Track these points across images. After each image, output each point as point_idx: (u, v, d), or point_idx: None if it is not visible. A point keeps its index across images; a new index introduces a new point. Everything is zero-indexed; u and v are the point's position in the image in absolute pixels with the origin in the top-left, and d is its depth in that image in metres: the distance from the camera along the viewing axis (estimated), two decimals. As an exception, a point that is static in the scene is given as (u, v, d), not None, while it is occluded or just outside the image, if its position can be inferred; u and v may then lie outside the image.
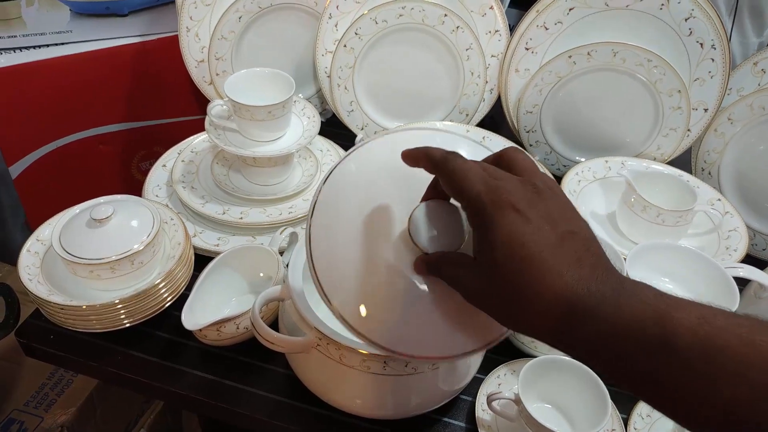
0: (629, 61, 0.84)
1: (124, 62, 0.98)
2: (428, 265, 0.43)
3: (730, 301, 0.63)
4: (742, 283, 0.67)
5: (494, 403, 0.58)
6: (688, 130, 0.88)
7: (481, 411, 0.61)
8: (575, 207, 0.39)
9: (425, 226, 0.43)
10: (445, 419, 0.62)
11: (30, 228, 0.77)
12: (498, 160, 0.41)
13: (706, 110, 0.86)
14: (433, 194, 0.44)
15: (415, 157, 0.42)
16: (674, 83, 0.84)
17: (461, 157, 0.39)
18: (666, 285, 0.70)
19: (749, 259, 0.76)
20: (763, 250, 0.86)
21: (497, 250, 0.36)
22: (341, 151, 0.91)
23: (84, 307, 0.61)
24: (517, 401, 0.56)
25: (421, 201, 0.44)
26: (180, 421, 1.06)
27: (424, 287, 0.45)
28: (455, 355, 0.46)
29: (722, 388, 0.30)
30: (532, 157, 0.43)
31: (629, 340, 0.32)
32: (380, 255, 0.45)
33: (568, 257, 0.35)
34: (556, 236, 0.36)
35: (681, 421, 0.32)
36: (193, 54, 0.91)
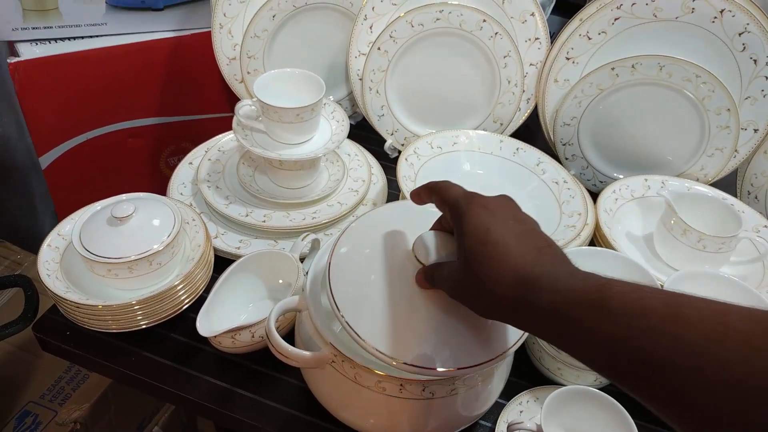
0: (676, 76, 0.80)
1: (156, 57, 0.97)
2: (424, 274, 0.49)
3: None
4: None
5: (514, 433, 0.56)
6: (736, 150, 0.83)
7: (501, 439, 0.58)
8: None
9: (426, 246, 0.50)
10: (464, 445, 0.59)
11: (58, 218, 0.78)
12: None
13: (756, 131, 0.82)
14: (438, 227, 0.52)
15: (418, 193, 0.51)
16: (723, 101, 0.79)
17: (452, 183, 0.49)
18: (705, 316, 0.66)
19: (795, 292, 0.72)
20: (811, 281, 0.81)
21: (467, 237, 0.43)
22: (369, 156, 0.89)
23: (100, 306, 0.60)
24: (540, 433, 0.53)
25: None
26: (195, 419, 1.06)
27: (437, 307, 0.49)
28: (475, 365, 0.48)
29: (645, 343, 0.34)
30: None
31: (576, 306, 0.37)
32: (396, 286, 0.50)
33: (529, 246, 0.42)
34: (519, 230, 0.43)
35: (614, 380, 0.37)
36: (225, 51, 0.90)
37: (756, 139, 0.82)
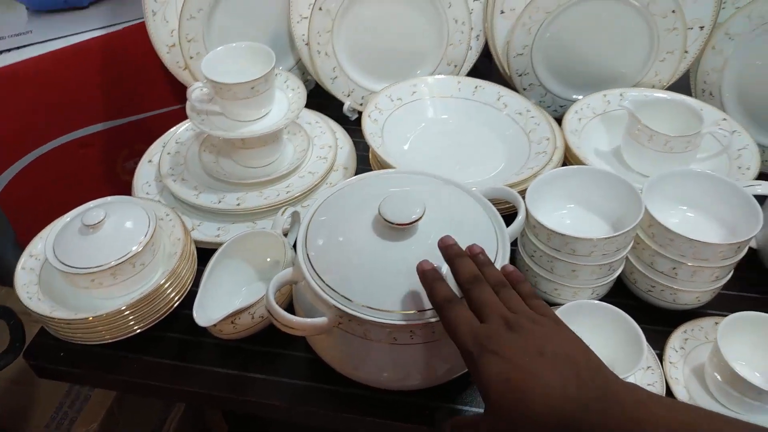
0: (618, -13, 0.81)
1: (91, 58, 0.93)
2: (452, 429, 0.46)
3: (754, 220, 0.61)
4: (760, 201, 0.65)
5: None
6: (686, 51, 0.85)
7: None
8: (567, 330, 0.44)
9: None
10: (478, 380, 0.60)
11: (21, 245, 0.74)
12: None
13: (702, 28, 0.83)
14: None
15: (423, 285, 0.48)
16: (668, 3, 0.80)
17: (456, 304, 0.45)
18: (686, 213, 0.68)
19: (762, 177, 0.74)
20: (775, 165, 0.84)
21: (490, 390, 0.40)
22: (331, 122, 0.88)
23: (91, 318, 0.59)
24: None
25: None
26: (203, 420, 1.05)
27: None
28: None
29: None
30: (525, 281, 0.48)
31: None
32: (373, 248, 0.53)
33: (554, 381, 0.39)
34: (539, 366, 0.39)
35: None
36: (162, 39, 0.87)
37: (703, 36, 0.84)
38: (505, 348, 0.41)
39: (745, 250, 0.62)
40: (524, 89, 0.91)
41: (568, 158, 0.79)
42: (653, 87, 0.88)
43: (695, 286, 0.63)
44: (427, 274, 0.48)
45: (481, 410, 0.57)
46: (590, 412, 0.37)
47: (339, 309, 0.50)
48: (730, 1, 0.82)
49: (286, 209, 0.70)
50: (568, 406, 0.38)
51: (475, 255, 0.49)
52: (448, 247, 0.50)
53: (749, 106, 0.85)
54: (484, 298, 0.45)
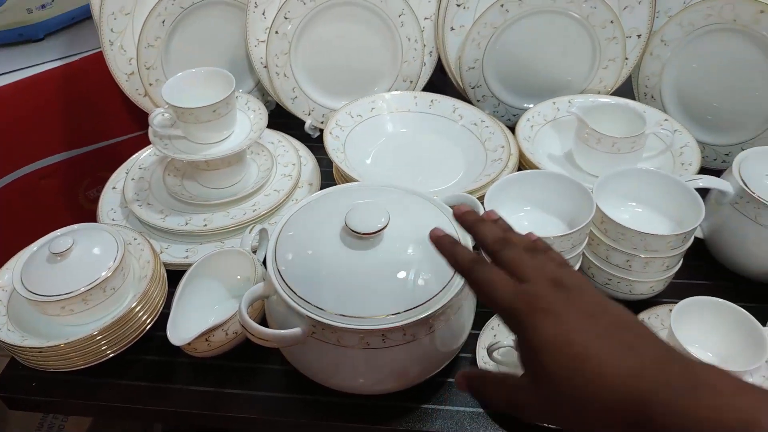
0: (559, 0, 0.85)
1: (50, 89, 0.93)
2: (469, 380, 0.40)
3: (697, 211, 0.65)
4: (702, 194, 0.70)
5: (495, 353, 0.59)
6: (626, 58, 0.90)
7: (483, 364, 0.62)
8: (606, 296, 0.37)
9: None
10: (450, 380, 0.62)
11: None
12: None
13: (639, 36, 0.88)
14: None
15: (442, 251, 0.43)
16: (606, 15, 0.85)
17: (486, 264, 0.40)
18: (635, 209, 0.72)
19: (703, 172, 0.79)
20: (714, 160, 0.89)
21: (543, 354, 0.34)
22: (293, 140, 0.90)
23: (63, 345, 0.59)
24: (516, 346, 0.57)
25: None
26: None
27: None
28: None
29: None
30: (552, 248, 0.42)
31: None
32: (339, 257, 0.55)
33: (619, 347, 0.33)
34: (599, 329, 0.34)
35: None
36: (121, 67, 0.88)
37: (641, 44, 0.89)
38: (559, 307, 0.35)
39: (691, 239, 0.66)
40: (478, 101, 0.95)
41: (523, 164, 0.82)
42: (599, 93, 0.93)
43: (649, 277, 0.66)
44: (443, 240, 0.43)
45: (455, 408, 0.60)
46: (670, 393, 0.30)
47: (312, 319, 0.52)
48: (663, 11, 0.87)
49: (253, 227, 0.71)
50: (642, 384, 0.31)
51: (496, 220, 0.44)
52: (465, 214, 0.45)
53: (688, 106, 0.90)
54: (519, 258, 0.39)
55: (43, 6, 0.92)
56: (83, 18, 0.98)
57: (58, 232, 0.65)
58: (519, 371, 0.57)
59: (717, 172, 0.74)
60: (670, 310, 0.65)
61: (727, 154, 0.88)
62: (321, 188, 0.83)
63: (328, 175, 0.86)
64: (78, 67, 0.94)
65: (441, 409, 0.60)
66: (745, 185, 0.68)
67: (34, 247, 0.64)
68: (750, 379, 0.60)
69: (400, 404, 0.60)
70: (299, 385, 0.61)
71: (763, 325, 0.60)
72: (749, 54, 0.82)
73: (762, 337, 0.58)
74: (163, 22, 0.86)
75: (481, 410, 0.60)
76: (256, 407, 0.61)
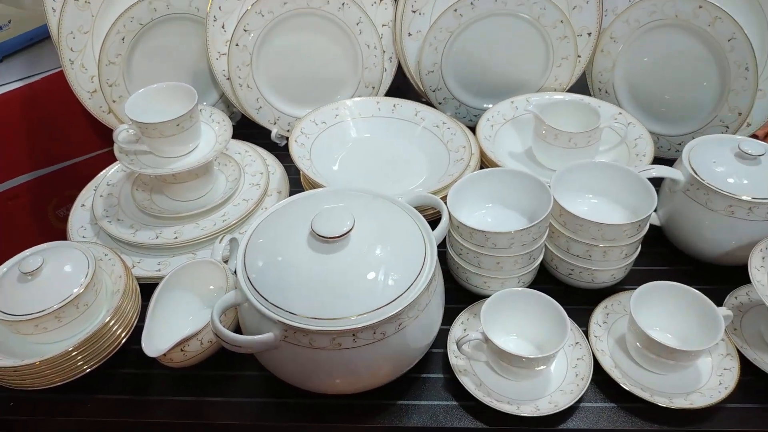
0: (510, 3, 0.88)
1: (12, 111, 0.92)
2: None
3: (650, 200, 0.69)
4: (656, 183, 0.73)
5: (464, 347, 0.61)
6: (578, 56, 0.93)
7: (454, 358, 0.64)
8: None
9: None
10: (423, 375, 0.64)
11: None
12: None
13: (590, 34, 0.92)
14: None
15: None
16: (555, 15, 0.88)
17: None
18: (591, 201, 0.75)
19: (657, 161, 0.82)
20: (669, 150, 0.93)
21: None
22: (260, 150, 0.91)
23: (38, 363, 0.59)
24: (485, 338, 0.59)
25: None
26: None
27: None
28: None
29: None
30: None
31: None
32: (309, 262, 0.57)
33: None
34: None
35: None
36: (83, 86, 0.88)
37: (591, 41, 0.92)
38: None
39: (646, 227, 0.69)
40: (440, 103, 0.97)
41: (485, 162, 0.85)
42: (555, 90, 0.96)
43: (609, 265, 0.69)
44: None
45: (430, 402, 0.62)
46: None
47: (284, 323, 0.53)
48: (611, 9, 0.91)
49: (223, 237, 0.72)
50: None
51: None
52: None
53: (639, 99, 0.94)
54: None
55: None
56: (42, 38, 0.98)
57: (27, 251, 0.65)
58: (490, 361, 0.59)
59: (671, 162, 0.78)
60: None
61: (680, 144, 0.92)
62: (290, 195, 0.84)
63: (297, 182, 0.88)
64: (39, 88, 0.94)
65: (417, 405, 0.62)
66: (695, 173, 0.71)
67: (4, 267, 0.64)
68: (708, 358, 0.64)
69: (376, 402, 0.62)
70: (277, 390, 0.62)
71: (718, 305, 0.63)
72: (693, 47, 0.86)
73: (717, 317, 0.61)
74: (123, 39, 0.86)
75: (455, 403, 0.62)
76: (235, 414, 0.62)
